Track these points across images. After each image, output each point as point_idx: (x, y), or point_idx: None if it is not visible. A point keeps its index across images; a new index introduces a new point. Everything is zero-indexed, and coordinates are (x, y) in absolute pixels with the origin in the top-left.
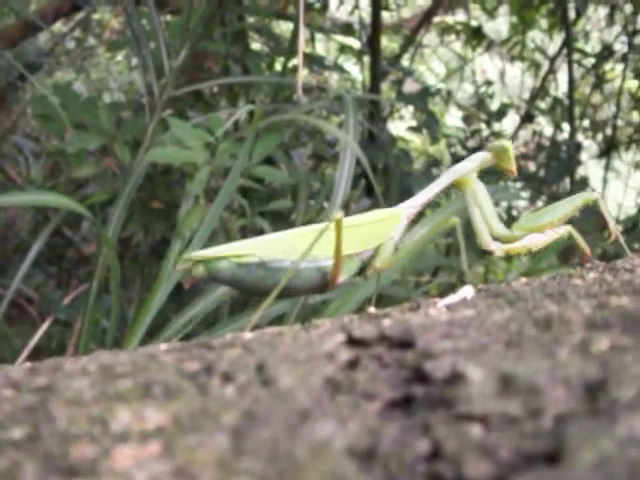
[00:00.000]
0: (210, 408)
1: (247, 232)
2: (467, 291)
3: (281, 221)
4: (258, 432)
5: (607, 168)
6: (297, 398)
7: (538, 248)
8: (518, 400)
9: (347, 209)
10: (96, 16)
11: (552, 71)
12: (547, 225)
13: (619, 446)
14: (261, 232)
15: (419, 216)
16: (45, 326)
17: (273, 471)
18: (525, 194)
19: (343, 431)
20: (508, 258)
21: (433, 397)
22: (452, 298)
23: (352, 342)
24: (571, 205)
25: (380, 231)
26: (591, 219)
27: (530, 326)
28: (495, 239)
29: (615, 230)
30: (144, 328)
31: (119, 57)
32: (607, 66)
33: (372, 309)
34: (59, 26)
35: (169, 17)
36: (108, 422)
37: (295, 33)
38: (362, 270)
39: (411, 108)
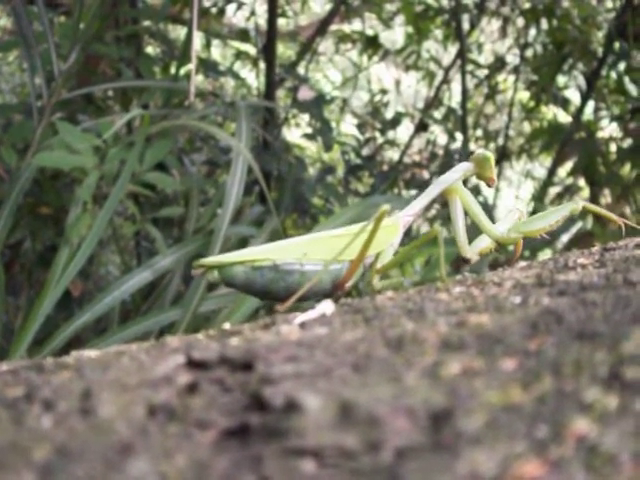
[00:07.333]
0: (22, 441)
1: (140, 238)
2: (326, 306)
3: (173, 228)
4: (70, 469)
5: (499, 177)
6: (117, 430)
7: (509, 243)
8: (357, 432)
9: (239, 216)
10: None
11: (446, 81)
12: (540, 230)
13: None
14: (153, 241)
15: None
16: None
17: None
18: None
19: (165, 467)
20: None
21: (269, 427)
22: (310, 314)
23: (192, 364)
24: (561, 214)
25: (382, 238)
26: None
27: (381, 347)
28: (496, 241)
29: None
30: (31, 337)
31: (10, 58)
32: (499, 77)
33: (227, 325)
34: None
35: (63, 18)
36: None
37: (189, 38)
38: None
39: (306, 115)
